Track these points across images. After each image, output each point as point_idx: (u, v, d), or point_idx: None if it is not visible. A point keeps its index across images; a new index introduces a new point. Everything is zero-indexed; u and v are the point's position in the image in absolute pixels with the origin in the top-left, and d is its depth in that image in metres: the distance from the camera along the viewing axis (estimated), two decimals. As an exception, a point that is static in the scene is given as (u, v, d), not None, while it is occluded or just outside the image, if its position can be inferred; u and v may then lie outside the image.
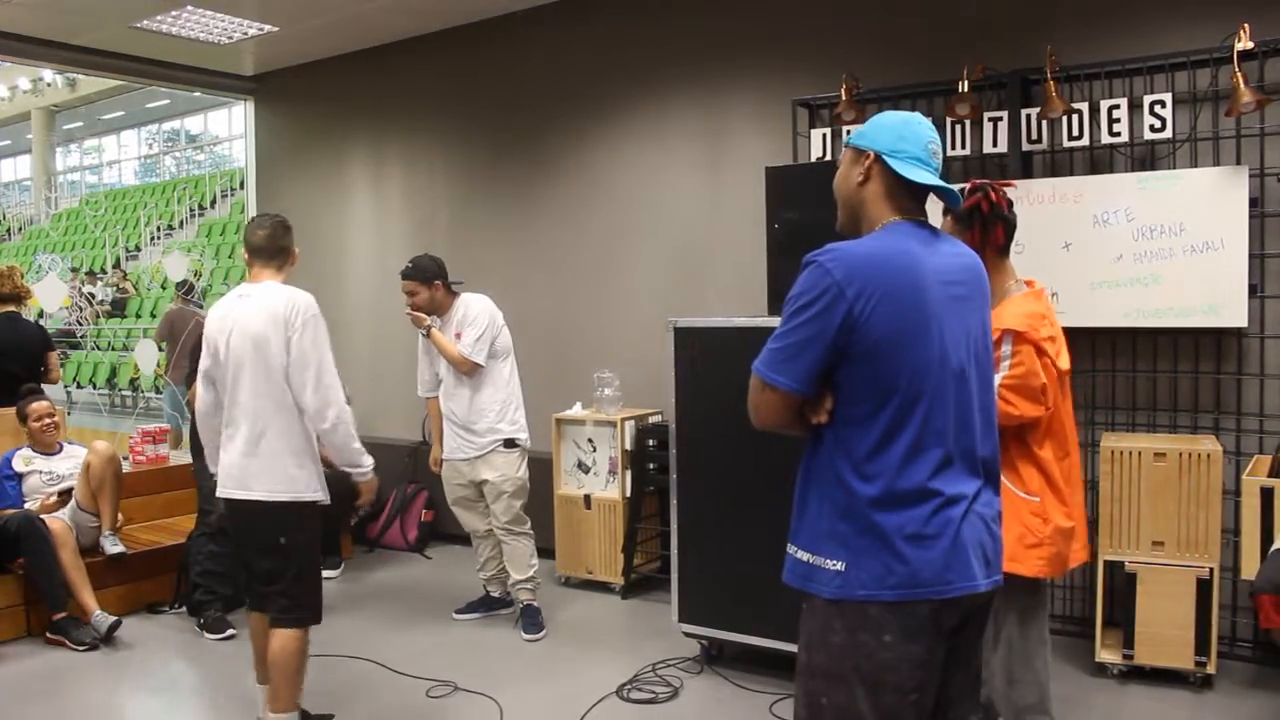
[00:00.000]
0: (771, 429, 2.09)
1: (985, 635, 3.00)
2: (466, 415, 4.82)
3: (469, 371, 4.78)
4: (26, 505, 4.94)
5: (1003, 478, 2.86)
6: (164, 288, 14.90)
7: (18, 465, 5.07)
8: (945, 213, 3.13)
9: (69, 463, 5.17)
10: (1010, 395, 2.91)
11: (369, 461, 3.67)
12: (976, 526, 2.04)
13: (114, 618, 4.74)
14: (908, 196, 2.11)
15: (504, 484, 4.82)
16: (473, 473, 4.85)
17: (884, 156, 2.09)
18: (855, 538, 1.97)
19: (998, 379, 2.88)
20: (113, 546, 5.00)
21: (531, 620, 4.86)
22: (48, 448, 5.15)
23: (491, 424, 4.81)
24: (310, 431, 3.48)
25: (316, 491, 3.53)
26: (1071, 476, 3.14)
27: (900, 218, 2.09)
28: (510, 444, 4.84)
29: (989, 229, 3.08)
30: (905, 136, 2.11)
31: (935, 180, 2.11)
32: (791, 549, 2.10)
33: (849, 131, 4.86)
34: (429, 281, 4.81)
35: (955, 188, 3.03)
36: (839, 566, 1.98)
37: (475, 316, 4.81)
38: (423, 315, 4.80)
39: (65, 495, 5.04)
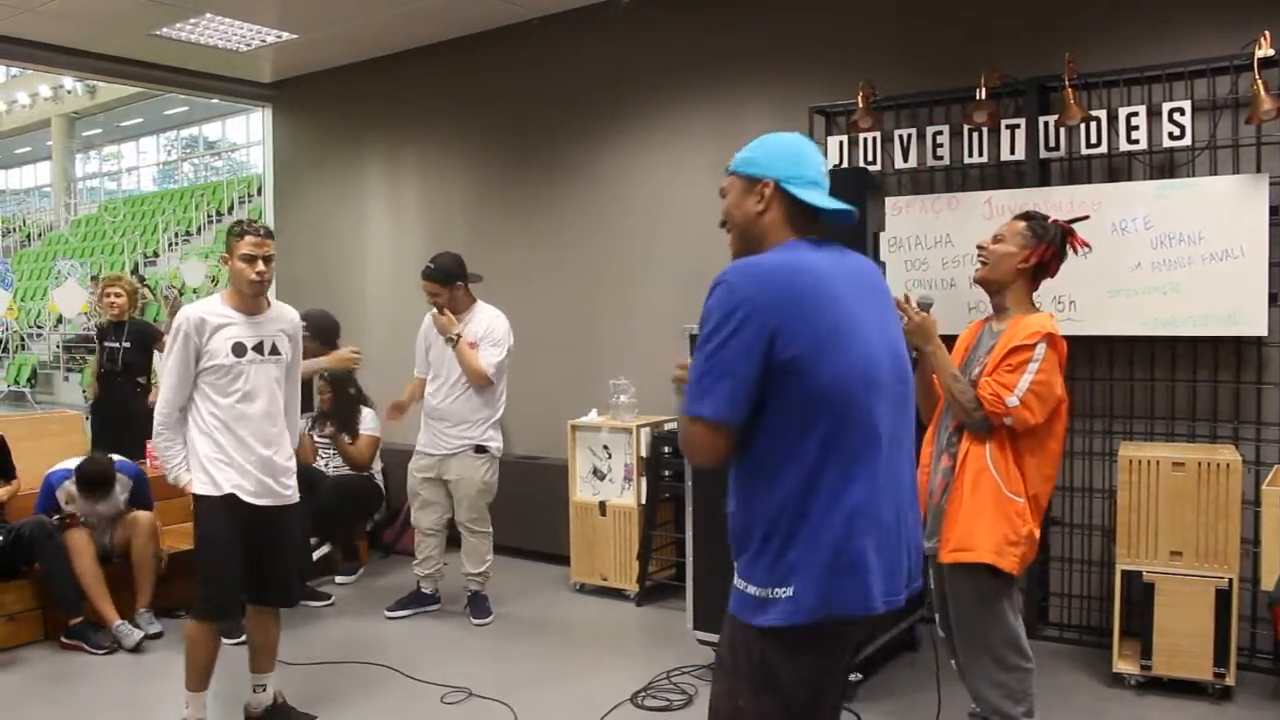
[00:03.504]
0: (710, 465, 2.03)
1: (955, 642, 3.05)
2: (449, 416, 4.93)
3: (480, 385, 4.89)
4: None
5: (993, 473, 2.90)
6: (181, 293, 14.99)
7: (60, 498, 4.89)
8: (1025, 217, 3.09)
9: (107, 504, 4.95)
10: (1032, 401, 2.88)
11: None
12: (908, 536, 2.07)
13: (141, 633, 4.72)
14: (807, 219, 2.10)
15: (469, 487, 4.95)
16: (440, 469, 4.98)
17: (783, 184, 2.07)
18: (799, 562, 1.94)
19: (1024, 382, 2.87)
20: (149, 625, 4.84)
21: (480, 606, 5.06)
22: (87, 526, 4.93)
23: (469, 430, 4.92)
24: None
25: None
26: (1046, 497, 3.10)
27: (798, 238, 2.08)
28: (480, 449, 4.95)
29: (1054, 258, 3.07)
30: (800, 161, 2.10)
31: (836, 204, 2.10)
32: (740, 583, 2.03)
33: (866, 139, 4.87)
34: (450, 283, 4.91)
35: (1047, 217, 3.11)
36: (788, 594, 1.95)
37: (500, 336, 4.94)
38: (452, 320, 4.86)
39: None
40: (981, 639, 2.97)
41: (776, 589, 1.95)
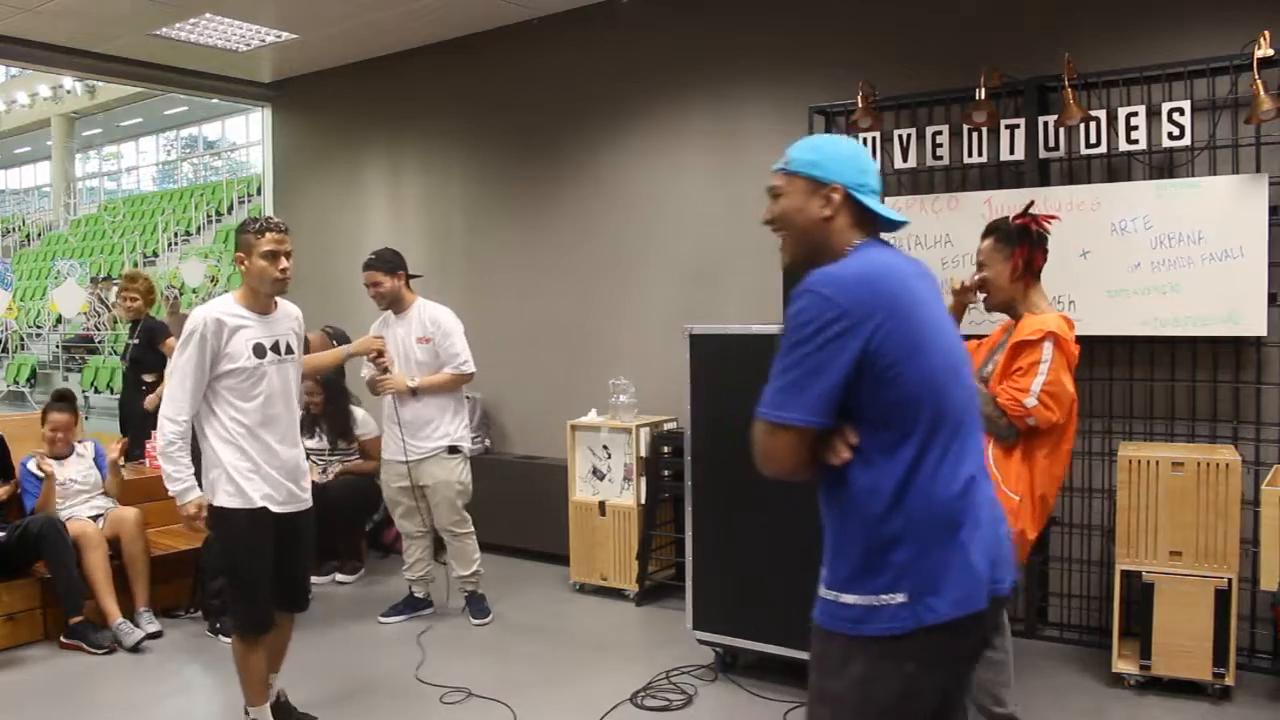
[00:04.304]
0: (788, 476, 1.98)
1: None
2: (414, 421, 4.87)
3: (468, 380, 4.94)
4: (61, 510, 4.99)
5: (993, 469, 2.93)
6: (181, 293, 14.99)
7: (31, 467, 5.05)
8: (989, 232, 3.23)
9: (77, 466, 5.14)
10: (1049, 400, 2.97)
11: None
12: (998, 528, 2.02)
13: (141, 633, 4.74)
14: (870, 226, 2.08)
15: (447, 489, 4.92)
16: (415, 475, 4.93)
17: (852, 191, 2.04)
18: (910, 565, 1.89)
19: (1037, 383, 2.96)
20: (149, 624, 4.86)
21: (478, 606, 5.05)
22: (55, 454, 5.14)
23: (438, 431, 4.89)
24: None
25: None
26: (1053, 497, 3.17)
27: (868, 239, 2.07)
28: (453, 450, 4.92)
29: (1035, 251, 3.18)
30: (864, 170, 2.08)
31: (896, 215, 2.09)
32: (831, 594, 1.98)
33: (865, 139, 4.86)
34: (393, 271, 4.90)
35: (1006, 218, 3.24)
36: (901, 599, 1.89)
37: (450, 327, 4.92)
38: (400, 379, 4.80)
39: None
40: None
41: (883, 595, 1.90)
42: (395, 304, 4.93)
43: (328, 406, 5.88)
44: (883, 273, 1.96)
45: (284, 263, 3.48)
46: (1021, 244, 3.15)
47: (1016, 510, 2.96)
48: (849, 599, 1.94)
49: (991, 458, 2.96)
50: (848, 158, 2.08)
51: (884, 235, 2.11)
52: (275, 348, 3.53)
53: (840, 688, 1.95)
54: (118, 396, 7.14)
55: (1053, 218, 3.29)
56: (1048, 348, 2.98)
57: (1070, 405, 3.04)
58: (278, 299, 3.62)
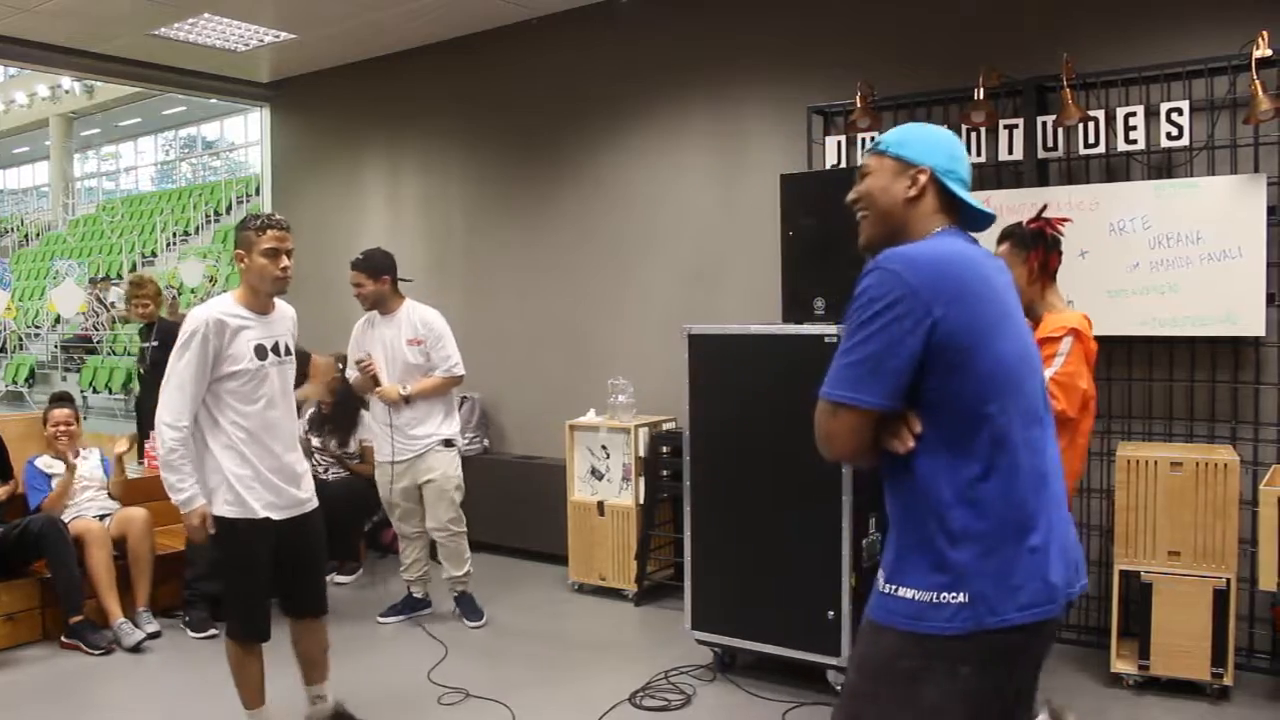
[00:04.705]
0: (850, 460, 1.91)
1: None
2: (408, 420, 4.86)
3: (459, 383, 4.95)
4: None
5: None
6: (180, 293, 14.99)
7: (41, 466, 5.09)
8: (1004, 238, 3.34)
9: (83, 466, 5.18)
10: (1057, 390, 3.05)
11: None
12: (1069, 529, 1.96)
13: (141, 633, 4.74)
14: (954, 214, 2.02)
15: (446, 483, 4.90)
16: (411, 475, 4.91)
17: (939, 175, 2.00)
18: (976, 564, 1.82)
19: (1049, 373, 3.05)
20: (148, 624, 4.85)
21: (471, 608, 5.03)
22: (61, 454, 5.15)
23: (431, 428, 4.88)
24: None
25: None
26: (1072, 493, 3.29)
27: (949, 227, 2.02)
28: (448, 444, 4.91)
29: (1050, 253, 3.31)
30: (956, 157, 2.03)
31: (984, 207, 2.04)
32: (889, 587, 1.91)
33: (871, 138, 4.86)
34: (378, 276, 4.87)
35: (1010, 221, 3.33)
36: (963, 599, 1.82)
37: (442, 330, 4.92)
38: (393, 389, 4.82)
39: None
40: None
41: (944, 593, 1.83)
42: (379, 305, 4.91)
43: (337, 410, 5.86)
44: (957, 258, 1.91)
45: (285, 261, 3.37)
46: (1036, 247, 3.27)
47: None
48: (907, 593, 1.87)
49: None
50: (939, 143, 2.04)
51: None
52: (275, 349, 3.44)
53: (886, 684, 1.89)
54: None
55: (1065, 220, 3.38)
56: (1067, 342, 3.10)
57: (1082, 399, 3.14)
58: (275, 299, 3.53)
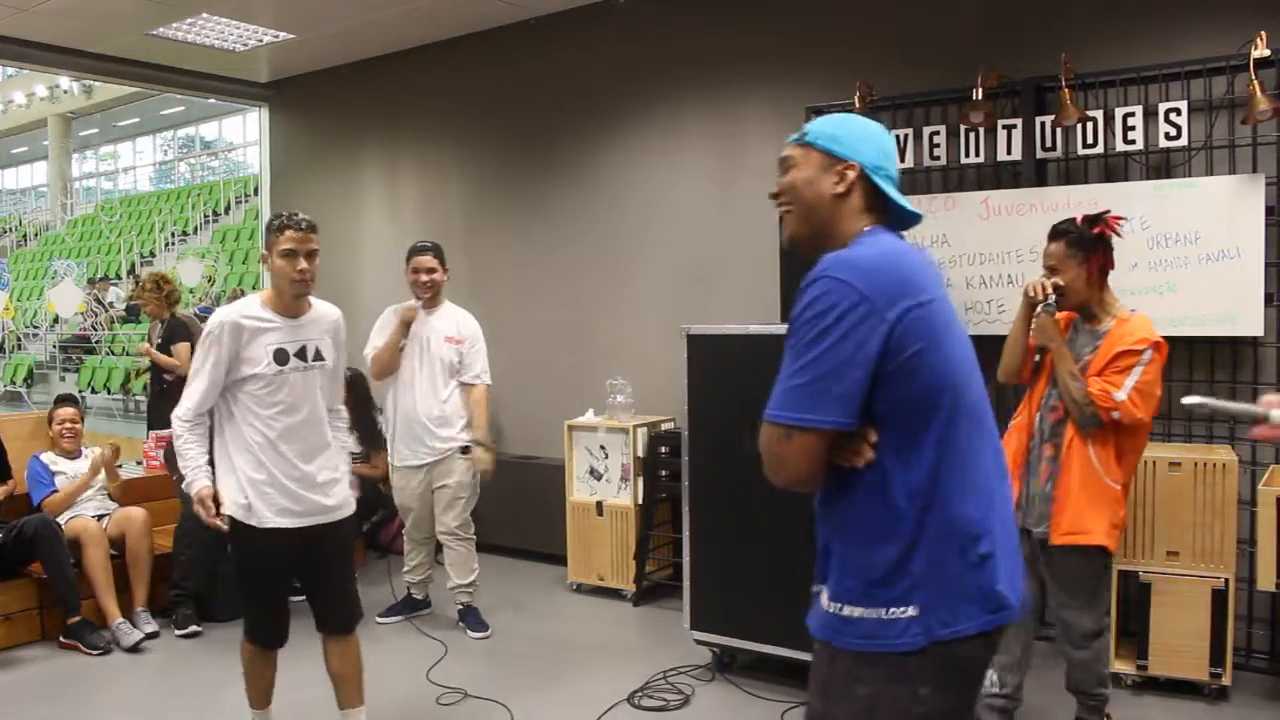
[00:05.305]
0: (803, 485, 1.80)
1: (1061, 618, 3.41)
2: (439, 418, 4.83)
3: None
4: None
5: (1095, 464, 3.21)
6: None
7: (46, 462, 5.11)
8: (1058, 235, 3.33)
9: (84, 466, 5.19)
10: (1137, 398, 3.16)
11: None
12: (1014, 537, 1.90)
13: (140, 633, 4.74)
14: (881, 213, 1.91)
15: (461, 490, 4.89)
16: (428, 479, 4.89)
17: (868, 172, 1.88)
18: (923, 575, 1.75)
19: (1130, 381, 3.15)
20: (146, 624, 4.85)
21: (476, 620, 4.96)
22: (66, 452, 5.18)
23: (456, 432, 4.87)
24: None
25: None
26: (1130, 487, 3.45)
27: (877, 226, 1.91)
28: (466, 450, 4.89)
29: (1107, 255, 3.33)
30: (886, 153, 1.92)
31: (914, 208, 1.94)
32: (835, 606, 1.83)
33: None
34: (445, 264, 4.92)
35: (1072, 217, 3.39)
36: (912, 612, 1.75)
37: (479, 336, 4.93)
38: (489, 459, 4.85)
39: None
40: (1092, 611, 3.34)
41: (894, 608, 1.75)
42: (437, 297, 4.90)
43: (356, 415, 5.82)
44: (903, 259, 1.82)
45: (302, 263, 3.24)
46: (1098, 251, 3.29)
47: (1119, 498, 3.25)
48: (856, 612, 1.80)
49: (1093, 451, 3.22)
50: (869, 138, 1.92)
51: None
52: (301, 354, 3.30)
53: (846, 712, 1.82)
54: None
55: (1121, 218, 3.40)
56: (1149, 353, 3.18)
57: (1156, 407, 3.25)
58: (313, 300, 3.39)
